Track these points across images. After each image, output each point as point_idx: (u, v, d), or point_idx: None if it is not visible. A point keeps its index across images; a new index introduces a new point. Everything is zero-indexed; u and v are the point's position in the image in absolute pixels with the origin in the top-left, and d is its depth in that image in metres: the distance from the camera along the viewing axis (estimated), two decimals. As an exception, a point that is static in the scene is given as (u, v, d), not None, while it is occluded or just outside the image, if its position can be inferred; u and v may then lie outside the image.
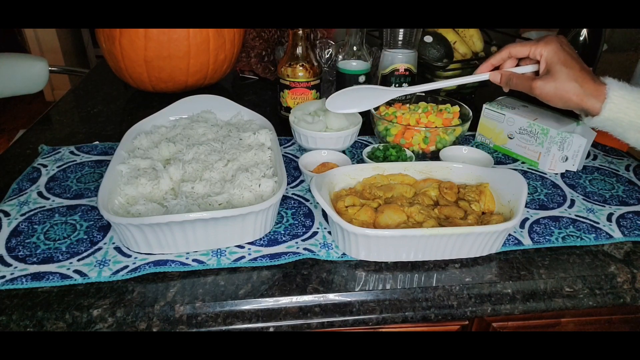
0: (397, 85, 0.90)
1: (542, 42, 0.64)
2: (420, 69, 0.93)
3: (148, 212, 0.57)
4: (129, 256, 0.55)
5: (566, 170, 0.77)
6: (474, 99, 1.07)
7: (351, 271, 0.55)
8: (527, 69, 0.67)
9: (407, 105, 0.84)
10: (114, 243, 0.57)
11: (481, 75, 0.71)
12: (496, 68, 0.71)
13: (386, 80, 0.90)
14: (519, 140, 0.79)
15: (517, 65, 0.69)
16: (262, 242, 0.58)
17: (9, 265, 0.53)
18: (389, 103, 0.86)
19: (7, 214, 0.62)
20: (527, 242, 0.60)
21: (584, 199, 0.70)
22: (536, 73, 0.67)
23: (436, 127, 0.76)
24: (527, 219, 0.65)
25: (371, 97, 0.74)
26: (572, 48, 0.64)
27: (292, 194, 0.69)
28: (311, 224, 0.62)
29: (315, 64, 0.86)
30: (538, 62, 0.65)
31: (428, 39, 1.00)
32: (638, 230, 0.63)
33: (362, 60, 0.87)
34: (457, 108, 0.82)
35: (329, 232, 0.61)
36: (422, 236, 0.54)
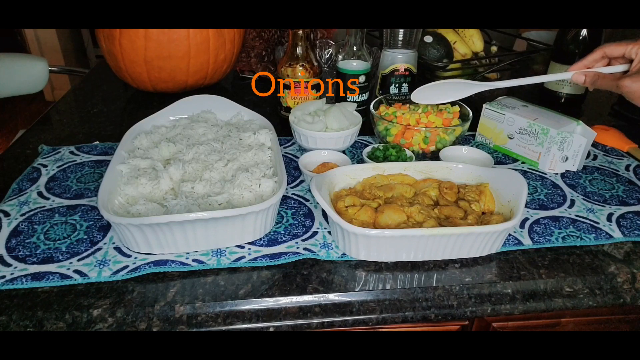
0: (396, 85, 0.90)
1: None
2: (420, 69, 0.93)
3: (148, 212, 0.57)
4: (129, 256, 0.55)
5: (566, 170, 0.77)
6: (474, 98, 1.07)
7: (351, 271, 0.55)
8: (617, 68, 0.66)
9: (407, 105, 0.84)
10: (114, 243, 0.57)
11: (564, 74, 0.70)
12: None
13: (386, 80, 0.90)
14: (519, 140, 0.79)
15: (609, 64, 0.68)
16: (262, 242, 0.58)
17: (9, 265, 0.53)
18: (389, 103, 0.86)
19: (7, 214, 0.62)
20: (527, 242, 0.60)
21: (584, 199, 0.70)
22: (625, 72, 0.65)
23: (436, 127, 0.76)
24: (527, 219, 0.65)
25: (457, 90, 0.75)
26: None
27: (292, 194, 0.69)
28: (311, 224, 0.62)
29: (315, 64, 0.86)
30: (630, 62, 0.64)
31: (428, 39, 1.00)
32: (638, 230, 0.63)
33: (362, 60, 0.87)
34: (457, 108, 0.82)
35: (329, 232, 0.61)
36: (422, 236, 0.54)
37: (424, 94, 0.75)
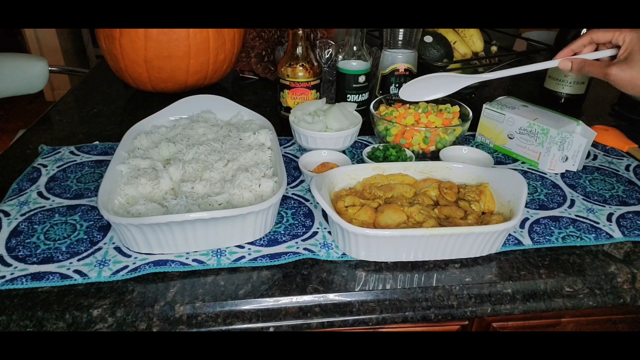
0: (397, 85, 0.90)
1: (628, 28, 0.63)
2: (420, 69, 0.93)
3: (148, 212, 0.57)
4: (129, 256, 0.55)
5: (566, 170, 0.77)
6: (474, 99, 1.07)
7: (351, 271, 0.55)
8: (604, 53, 0.66)
9: (407, 105, 0.84)
10: (114, 243, 0.57)
11: (551, 62, 0.69)
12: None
13: (386, 80, 0.90)
14: (519, 140, 0.79)
15: (597, 50, 0.67)
16: (262, 242, 0.58)
17: (9, 265, 0.53)
18: (389, 103, 0.86)
19: (7, 214, 0.62)
20: (527, 242, 0.60)
21: (584, 199, 0.70)
22: (612, 57, 0.65)
23: (436, 127, 0.76)
24: (527, 219, 0.65)
25: (445, 84, 0.74)
26: None
27: (292, 194, 0.69)
28: (311, 224, 0.62)
29: (315, 64, 0.86)
30: (617, 48, 0.64)
31: (428, 39, 1.00)
32: (638, 230, 0.63)
33: (362, 60, 0.87)
34: (457, 108, 0.82)
35: (329, 232, 0.61)
36: (422, 236, 0.54)
37: (412, 91, 0.75)
